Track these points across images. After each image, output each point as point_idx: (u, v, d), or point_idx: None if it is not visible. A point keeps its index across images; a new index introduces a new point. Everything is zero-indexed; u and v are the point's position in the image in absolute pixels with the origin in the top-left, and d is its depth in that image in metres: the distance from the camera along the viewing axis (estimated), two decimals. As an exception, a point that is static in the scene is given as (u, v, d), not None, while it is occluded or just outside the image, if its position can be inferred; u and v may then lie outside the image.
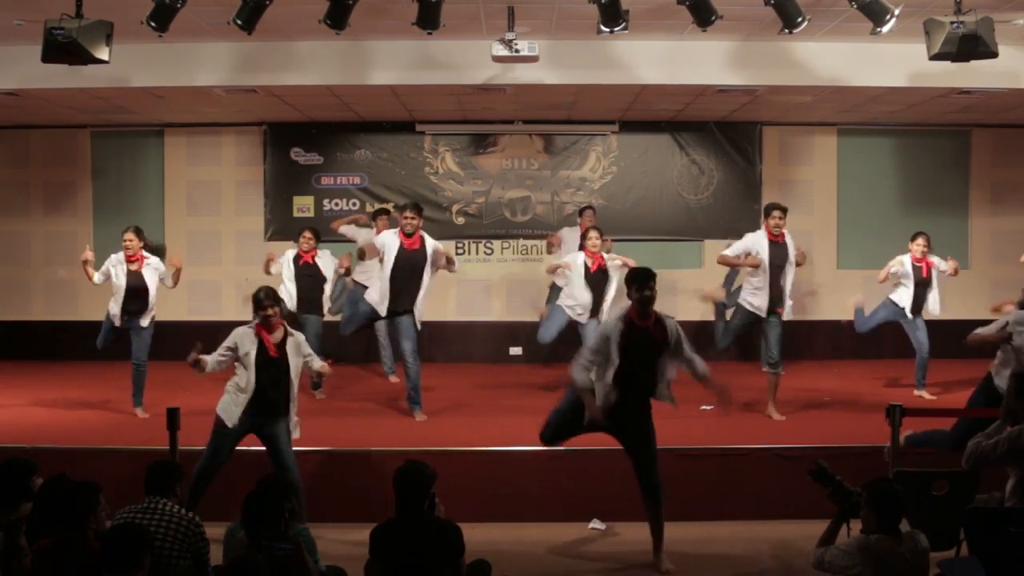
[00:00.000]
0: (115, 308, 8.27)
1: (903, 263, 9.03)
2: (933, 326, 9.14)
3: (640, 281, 5.76)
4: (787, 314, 8.36)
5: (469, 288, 11.77)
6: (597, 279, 8.85)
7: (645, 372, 5.79)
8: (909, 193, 11.73)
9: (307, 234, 9.04)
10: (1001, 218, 11.73)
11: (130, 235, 8.30)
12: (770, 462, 6.90)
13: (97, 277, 8.32)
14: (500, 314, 11.66)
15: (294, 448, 6.22)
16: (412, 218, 8.11)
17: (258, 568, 3.80)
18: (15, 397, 9.16)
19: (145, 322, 8.32)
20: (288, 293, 8.78)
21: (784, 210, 8.34)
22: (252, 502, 4.30)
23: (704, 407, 8.47)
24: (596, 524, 6.66)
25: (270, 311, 6.07)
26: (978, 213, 11.83)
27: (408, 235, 8.10)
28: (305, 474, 6.40)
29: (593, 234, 9.01)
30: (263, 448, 6.19)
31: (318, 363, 6.43)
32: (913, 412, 6.24)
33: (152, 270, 8.36)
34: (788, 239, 8.36)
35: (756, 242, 8.26)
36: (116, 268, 8.26)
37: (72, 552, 4.02)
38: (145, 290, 8.27)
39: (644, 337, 5.75)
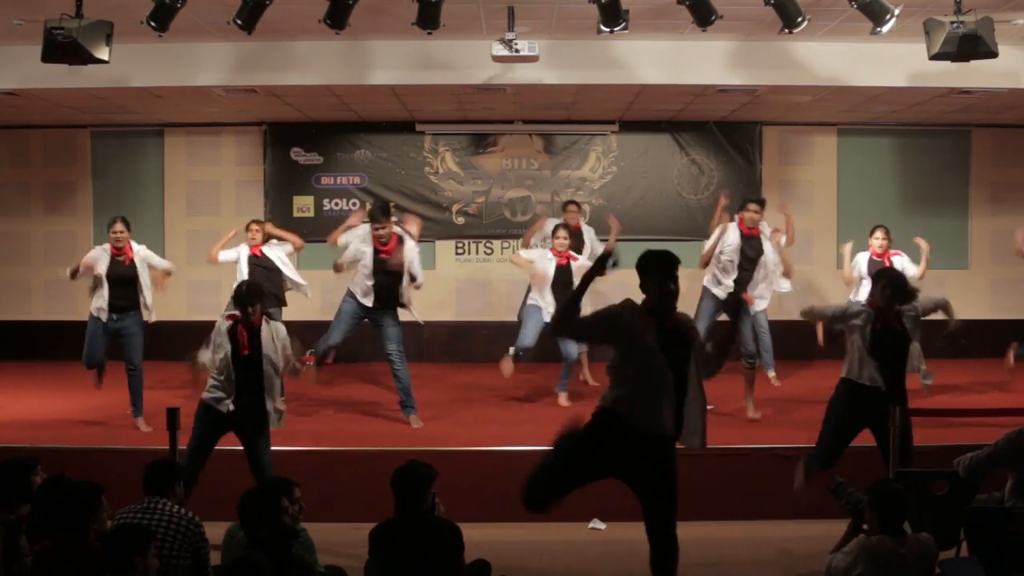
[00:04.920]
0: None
1: (858, 262, 9.03)
2: (932, 326, 9.09)
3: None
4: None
5: (469, 288, 11.78)
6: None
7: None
8: (909, 193, 11.73)
9: (254, 227, 9.08)
10: (1001, 218, 11.70)
11: (120, 226, 8.03)
12: (770, 462, 6.90)
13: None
14: (500, 314, 11.65)
15: (290, 448, 6.19)
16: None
17: (258, 568, 3.79)
18: (15, 397, 9.15)
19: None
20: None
21: (760, 203, 8.48)
22: (250, 502, 4.30)
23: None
24: (596, 524, 6.66)
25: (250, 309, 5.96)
26: (978, 213, 11.82)
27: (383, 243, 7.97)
28: (305, 474, 6.33)
29: (561, 233, 8.88)
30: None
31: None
32: (913, 412, 6.23)
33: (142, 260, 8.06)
34: (764, 235, 8.42)
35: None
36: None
37: (73, 553, 4.02)
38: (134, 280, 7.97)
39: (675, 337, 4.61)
